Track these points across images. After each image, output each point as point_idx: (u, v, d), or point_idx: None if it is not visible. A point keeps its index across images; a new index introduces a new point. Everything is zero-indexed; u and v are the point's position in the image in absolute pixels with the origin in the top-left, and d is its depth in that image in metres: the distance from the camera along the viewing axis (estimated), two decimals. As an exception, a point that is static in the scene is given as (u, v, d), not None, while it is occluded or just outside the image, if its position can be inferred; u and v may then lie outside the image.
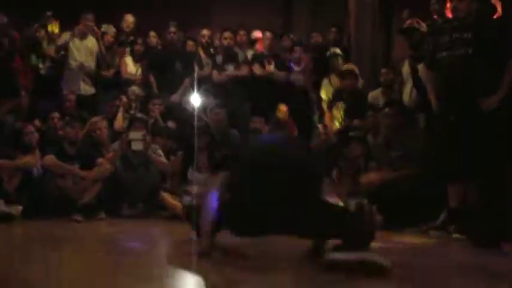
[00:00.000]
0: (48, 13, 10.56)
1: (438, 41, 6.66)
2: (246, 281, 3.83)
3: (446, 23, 6.97)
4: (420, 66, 7.34)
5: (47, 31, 10.69)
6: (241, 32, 11.30)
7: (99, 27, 10.84)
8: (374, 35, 11.61)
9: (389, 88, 9.32)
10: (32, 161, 8.14)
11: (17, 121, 9.06)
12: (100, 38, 10.71)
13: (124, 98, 10.10)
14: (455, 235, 6.42)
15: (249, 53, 11.06)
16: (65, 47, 10.45)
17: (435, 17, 8.49)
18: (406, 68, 8.72)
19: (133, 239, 6.22)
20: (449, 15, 6.94)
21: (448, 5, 6.73)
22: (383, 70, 9.60)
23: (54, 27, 10.80)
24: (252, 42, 11.41)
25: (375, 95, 9.44)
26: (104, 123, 9.07)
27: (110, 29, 11.01)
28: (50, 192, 8.01)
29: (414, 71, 8.08)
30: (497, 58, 6.22)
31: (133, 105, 10.18)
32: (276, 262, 4.27)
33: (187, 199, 6.51)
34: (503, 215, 5.74)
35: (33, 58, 10.39)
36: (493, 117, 6.11)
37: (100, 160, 8.33)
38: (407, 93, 8.57)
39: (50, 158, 8.13)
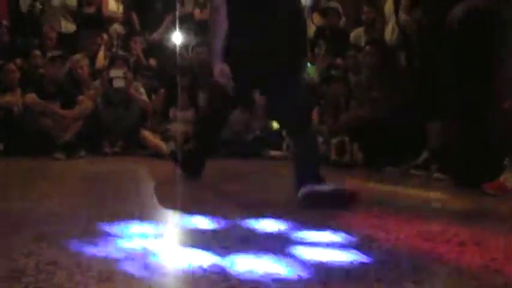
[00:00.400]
0: None
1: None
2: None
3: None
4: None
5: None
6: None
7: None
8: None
9: (371, 27, 9.27)
10: (13, 99, 8.09)
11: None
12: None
13: (105, 36, 10.04)
14: (436, 174, 6.45)
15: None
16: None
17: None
18: (388, 6, 8.67)
19: (115, 176, 6.22)
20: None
21: None
22: (365, 8, 9.52)
23: None
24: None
25: (357, 34, 9.40)
26: (85, 61, 9.02)
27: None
28: (31, 130, 7.98)
29: (397, 8, 8.03)
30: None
31: (115, 43, 10.11)
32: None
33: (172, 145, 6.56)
34: (484, 155, 5.77)
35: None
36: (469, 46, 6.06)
37: (81, 98, 8.29)
38: (389, 31, 8.52)
39: (31, 96, 8.09)
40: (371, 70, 7.95)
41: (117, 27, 10.34)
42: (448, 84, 6.15)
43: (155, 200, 4.51)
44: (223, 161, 7.49)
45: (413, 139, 6.97)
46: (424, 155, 6.79)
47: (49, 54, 8.62)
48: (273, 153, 8.45)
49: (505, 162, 5.48)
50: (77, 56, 9.09)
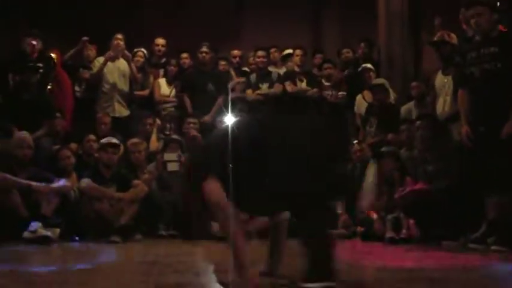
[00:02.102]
0: (85, 38, 10.63)
1: (466, 56, 6.67)
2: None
3: (473, 38, 6.98)
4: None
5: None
6: (273, 50, 11.36)
7: (130, 51, 10.90)
8: (404, 48, 11.61)
9: (422, 101, 9.29)
10: (69, 184, 8.18)
11: (54, 144, 9.12)
12: (131, 59, 10.75)
13: (157, 120, 10.17)
14: (494, 247, 6.37)
15: (282, 71, 11.08)
16: (100, 73, 10.53)
17: (464, 26, 8.45)
18: (438, 80, 8.68)
19: (172, 260, 6.20)
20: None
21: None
22: (413, 83, 9.56)
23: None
24: (284, 59, 11.46)
25: (408, 109, 9.41)
26: (143, 146, 9.14)
27: (139, 52, 11.06)
28: (87, 215, 8.06)
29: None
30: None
31: (168, 126, 10.21)
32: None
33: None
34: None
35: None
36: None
37: (136, 182, 8.36)
38: (441, 105, 8.51)
39: (86, 182, 8.17)
40: (424, 144, 7.93)
41: (170, 111, 10.50)
42: (501, 161, 6.15)
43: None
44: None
45: (471, 212, 6.92)
46: (483, 228, 6.72)
47: (102, 141, 8.70)
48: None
49: None
50: (135, 140, 9.19)
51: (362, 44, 11.34)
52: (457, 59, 7.77)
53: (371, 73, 10.39)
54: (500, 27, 6.81)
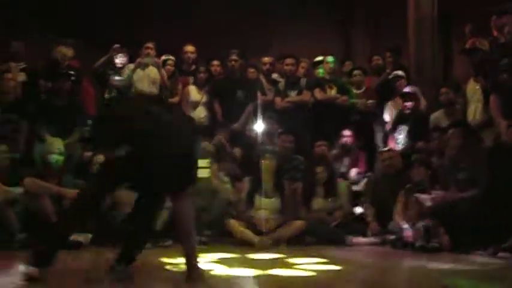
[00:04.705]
0: (116, 45, 10.69)
1: (499, 63, 6.67)
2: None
3: (505, 44, 6.97)
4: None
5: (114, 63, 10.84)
6: (303, 58, 11.38)
7: (160, 57, 10.95)
8: (434, 54, 11.59)
9: (451, 107, 9.25)
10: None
11: (84, 151, 9.18)
12: (161, 67, 10.78)
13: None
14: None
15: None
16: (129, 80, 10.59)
17: (496, 33, 8.40)
18: (470, 87, 8.66)
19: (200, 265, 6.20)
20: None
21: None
22: (442, 90, 9.50)
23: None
24: (315, 65, 11.46)
25: (438, 116, 9.37)
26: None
27: (169, 60, 11.08)
28: (118, 219, 8.08)
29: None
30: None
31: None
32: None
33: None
34: None
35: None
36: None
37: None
38: (472, 112, 8.50)
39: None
40: (456, 152, 7.90)
41: (200, 117, 10.53)
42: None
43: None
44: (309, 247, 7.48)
45: (501, 221, 6.88)
46: (513, 238, 6.68)
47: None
48: (355, 240, 8.41)
49: None
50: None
51: (388, 54, 11.30)
52: (487, 67, 7.78)
53: (402, 80, 10.37)
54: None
